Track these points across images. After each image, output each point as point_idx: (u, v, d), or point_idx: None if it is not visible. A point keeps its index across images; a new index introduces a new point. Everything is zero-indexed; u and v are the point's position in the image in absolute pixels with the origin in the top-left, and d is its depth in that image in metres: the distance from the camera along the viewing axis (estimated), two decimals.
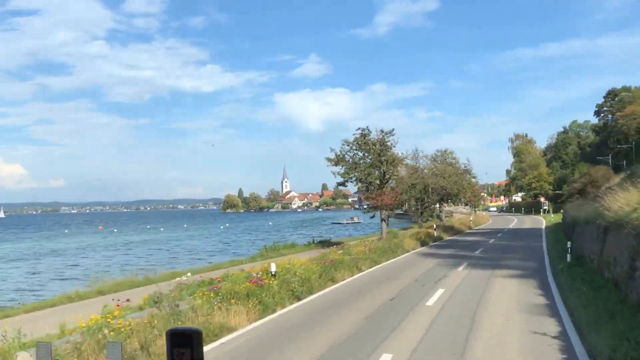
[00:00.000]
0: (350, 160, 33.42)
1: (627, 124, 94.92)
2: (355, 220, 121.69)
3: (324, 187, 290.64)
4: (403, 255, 28.94)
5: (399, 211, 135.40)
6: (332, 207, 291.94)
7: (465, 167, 57.16)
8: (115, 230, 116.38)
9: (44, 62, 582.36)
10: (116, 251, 64.51)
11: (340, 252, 24.09)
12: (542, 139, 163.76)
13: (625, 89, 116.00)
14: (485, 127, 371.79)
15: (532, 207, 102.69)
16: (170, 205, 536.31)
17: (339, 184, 34.42)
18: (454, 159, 56.55)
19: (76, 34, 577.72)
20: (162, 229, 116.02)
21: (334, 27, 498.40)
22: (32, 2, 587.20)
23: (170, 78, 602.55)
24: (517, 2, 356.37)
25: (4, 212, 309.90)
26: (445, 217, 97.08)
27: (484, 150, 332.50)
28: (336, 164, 33.33)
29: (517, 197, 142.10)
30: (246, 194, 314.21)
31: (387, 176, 34.06)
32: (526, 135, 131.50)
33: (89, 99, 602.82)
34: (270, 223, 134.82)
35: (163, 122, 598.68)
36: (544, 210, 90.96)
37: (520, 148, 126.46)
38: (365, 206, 37.25)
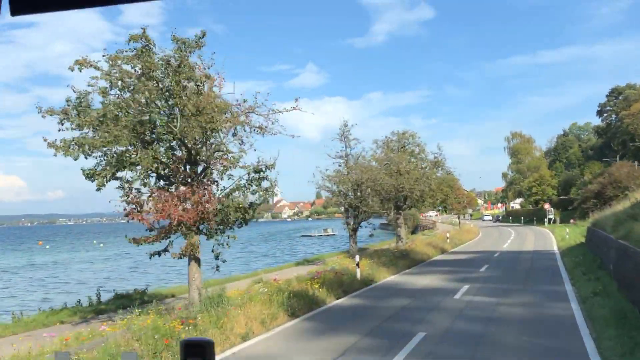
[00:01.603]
0: (103, 104, 12.96)
1: (633, 123, 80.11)
2: (330, 232, 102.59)
3: (318, 195, 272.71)
4: None
5: (384, 220, 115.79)
6: (323, 216, 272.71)
7: (435, 157, 36.43)
8: (48, 247, 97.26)
9: (42, 74, 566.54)
10: None
11: None
12: (541, 144, 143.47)
13: (630, 86, 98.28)
14: (482, 134, 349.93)
15: (533, 216, 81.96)
16: None
17: (87, 176, 13.41)
18: (418, 145, 36.02)
19: (74, 46, 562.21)
20: (101, 245, 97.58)
21: (330, 37, 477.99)
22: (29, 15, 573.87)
23: None
24: (513, 11, 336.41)
25: None
26: (427, 229, 76.19)
27: (480, 157, 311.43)
28: (62, 122, 12.88)
29: (516, 204, 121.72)
30: None
31: (201, 147, 13.51)
32: (524, 134, 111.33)
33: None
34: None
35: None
36: (549, 220, 70.15)
37: (518, 147, 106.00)
38: (155, 227, 15.64)
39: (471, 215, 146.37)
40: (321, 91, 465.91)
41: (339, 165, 28.77)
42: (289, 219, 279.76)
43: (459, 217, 63.66)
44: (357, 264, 20.65)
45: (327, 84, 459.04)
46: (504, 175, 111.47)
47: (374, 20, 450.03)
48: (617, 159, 75.80)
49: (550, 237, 45.80)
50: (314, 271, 20.43)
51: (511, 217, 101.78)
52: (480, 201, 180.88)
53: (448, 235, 39.98)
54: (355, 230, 28.77)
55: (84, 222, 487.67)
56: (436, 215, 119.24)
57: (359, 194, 28.15)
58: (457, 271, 23.91)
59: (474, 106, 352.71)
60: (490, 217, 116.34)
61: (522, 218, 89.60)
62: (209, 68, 13.27)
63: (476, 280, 20.56)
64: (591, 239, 28.30)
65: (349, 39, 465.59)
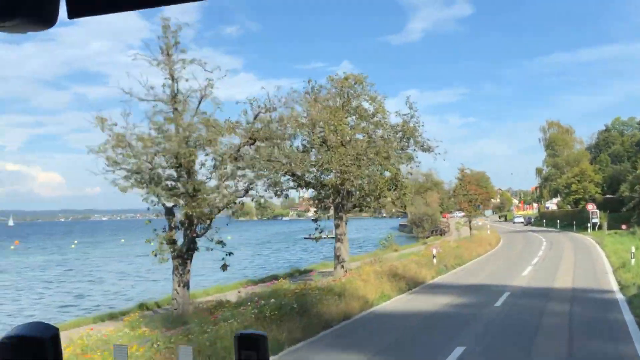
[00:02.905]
0: None
1: None
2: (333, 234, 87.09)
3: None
4: None
5: (402, 221, 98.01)
6: (348, 215, 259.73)
7: (404, 121, 20.59)
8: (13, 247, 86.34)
9: (80, 71, 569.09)
10: None
11: None
12: (582, 137, 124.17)
13: None
14: (520, 133, 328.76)
15: (572, 219, 65.00)
16: None
17: None
18: (372, 100, 20.51)
19: (111, 44, 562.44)
20: (75, 244, 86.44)
21: (366, 34, 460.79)
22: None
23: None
24: (552, 9, 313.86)
25: (14, 220, 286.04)
26: (438, 234, 60.51)
27: (518, 157, 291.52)
28: None
29: (552, 205, 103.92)
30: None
31: None
32: (562, 124, 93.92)
33: (125, 108, 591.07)
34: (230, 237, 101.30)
35: None
36: (594, 225, 53.33)
37: (555, 138, 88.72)
38: None
39: (506, 216, 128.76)
40: None
41: (163, 119, 13.56)
42: (313, 218, 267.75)
43: (469, 221, 47.28)
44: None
45: None
46: (539, 171, 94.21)
47: (410, 17, 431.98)
48: None
49: (600, 256, 29.49)
50: None
51: (545, 219, 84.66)
52: (515, 201, 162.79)
53: (435, 252, 24.29)
54: (184, 257, 13.42)
55: (119, 218, 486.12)
56: (462, 217, 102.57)
57: (195, 177, 12.99)
58: None
59: (513, 105, 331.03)
60: (522, 219, 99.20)
61: (559, 221, 72.60)
62: None
63: None
64: None
65: (384, 36, 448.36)
